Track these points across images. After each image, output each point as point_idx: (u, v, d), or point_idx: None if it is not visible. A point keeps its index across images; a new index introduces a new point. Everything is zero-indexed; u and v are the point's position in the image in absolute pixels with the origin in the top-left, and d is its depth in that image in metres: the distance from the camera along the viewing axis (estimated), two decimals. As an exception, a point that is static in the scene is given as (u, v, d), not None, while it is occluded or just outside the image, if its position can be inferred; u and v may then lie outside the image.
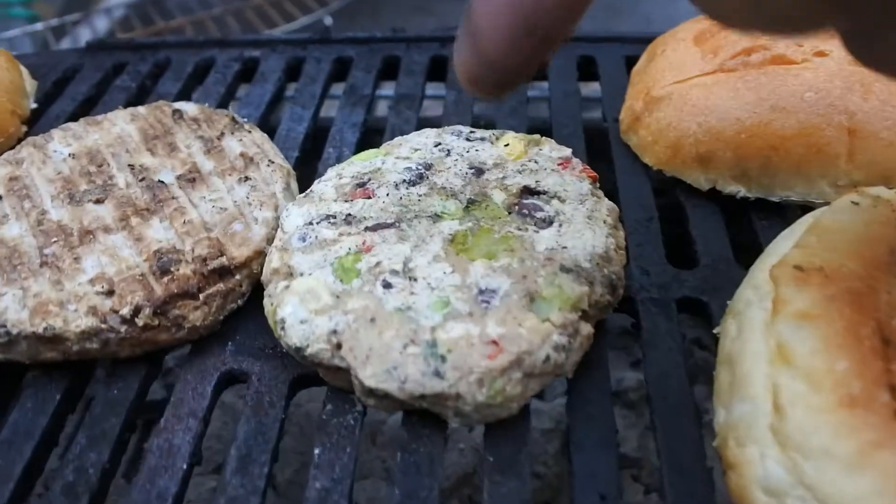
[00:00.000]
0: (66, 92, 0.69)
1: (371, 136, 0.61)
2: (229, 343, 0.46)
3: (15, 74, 0.66)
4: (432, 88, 0.69)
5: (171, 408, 0.43)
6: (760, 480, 0.35)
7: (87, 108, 0.67)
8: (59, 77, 0.72)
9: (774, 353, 0.37)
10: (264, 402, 0.43)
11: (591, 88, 0.69)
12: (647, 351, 0.43)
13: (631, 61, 0.65)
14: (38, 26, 1.67)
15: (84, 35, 1.66)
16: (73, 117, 0.64)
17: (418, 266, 0.42)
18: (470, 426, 0.41)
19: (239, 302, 0.46)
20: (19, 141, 0.62)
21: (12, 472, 0.40)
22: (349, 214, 0.46)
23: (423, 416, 0.40)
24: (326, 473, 0.39)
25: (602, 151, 0.58)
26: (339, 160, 0.58)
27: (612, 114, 0.61)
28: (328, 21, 1.65)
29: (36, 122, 0.65)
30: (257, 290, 0.47)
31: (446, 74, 0.67)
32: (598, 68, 0.67)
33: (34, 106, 0.67)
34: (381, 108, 0.73)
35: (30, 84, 0.68)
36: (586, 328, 0.41)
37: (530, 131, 0.54)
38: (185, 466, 0.40)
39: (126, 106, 0.64)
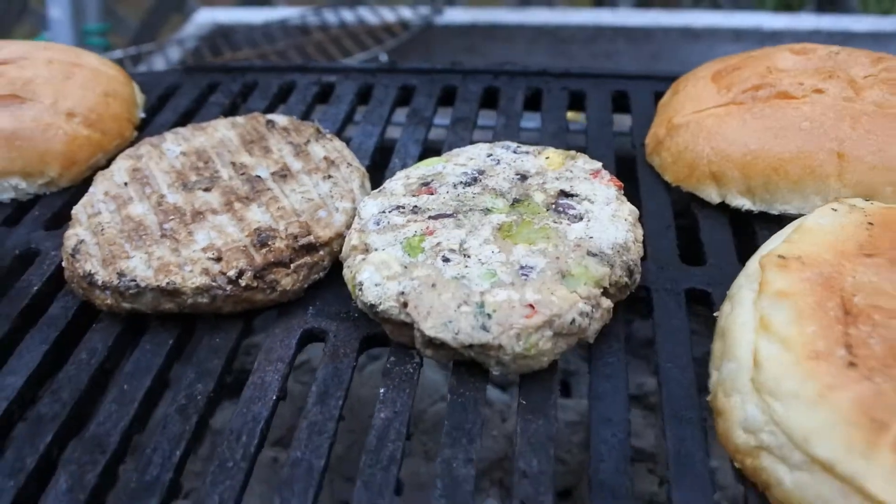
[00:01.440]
0: (169, 105, 0.81)
1: (430, 152, 0.71)
2: (310, 308, 0.55)
3: (130, 89, 0.78)
4: (484, 116, 0.78)
5: (262, 354, 0.52)
6: (741, 421, 0.44)
7: (186, 119, 0.79)
8: (162, 93, 0.83)
9: (758, 323, 0.46)
10: (339, 353, 0.52)
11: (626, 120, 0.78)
12: (659, 330, 0.52)
13: (659, 96, 0.75)
14: (118, 54, 1.81)
15: (158, 63, 1.79)
16: (175, 126, 0.75)
17: (471, 247, 0.51)
18: (508, 375, 0.49)
19: (321, 274, 0.56)
20: (132, 143, 0.73)
21: (136, 396, 0.50)
22: (416, 206, 0.56)
23: (470, 367, 0.49)
24: (389, 407, 0.48)
25: (630, 171, 0.68)
26: (404, 168, 0.68)
27: (640, 140, 0.70)
28: (383, 58, 1.77)
29: (144, 129, 0.77)
30: (335, 267, 0.56)
31: (497, 103, 0.78)
32: (631, 102, 0.77)
33: (143, 115, 0.78)
34: (439, 134, 0.83)
35: (139, 97, 0.80)
36: (606, 302, 0.50)
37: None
38: (274, 397, 0.50)
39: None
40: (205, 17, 2.05)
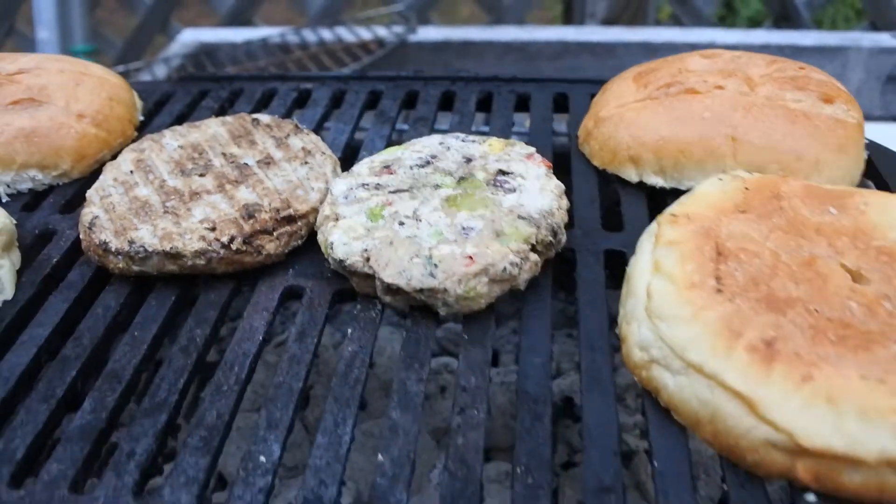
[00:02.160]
0: (165, 109, 0.91)
1: (394, 145, 0.82)
2: (291, 269, 0.66)
3: (131, 95, 0.88)
4: (441, 116, 0.90)
5: (250, 306, 0.63)
6: (637, 342, 0.55)
7: (181, 120, 0.89)
8: (158, 99, 0.94)
9: (653, 266, 0.57)
10: (315, 304, 0.63)
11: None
12: (580, 280, 0.63)
13: (594, 97, 0.86)
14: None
15: (145, 80, 1.89)
16: (172, 126, 0.85)
17: (422, 214, 0.62)
18: (453, 315, 0.60)
19: (300, 241, 0.67)
20: (133, 141, 0.83)
21: (145, 340, 0.60)
22: (378, 184, 0.66)
23: (423, 311, 0.60)
24: (356, 343, 0.58)
25: (566, 158, 0.79)
26: (371, 158, 0.79)
27: (576, 133, 0.82)
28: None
29: (143, 130, 0.87)
30: (312, 237, 0.67)
31: (453, 105, 0.89)
32: (570, 102, 0.88)
33: (142, 118, 0.89)
34: (402, 131, 0.93)
35: (139, 103, 0.90)
36: (534, 256, 0.61)
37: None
38: (260, 338, 0.60)
39: (212, 119, 0.86)
40: (189, 37, 2.16)
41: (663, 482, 0.49)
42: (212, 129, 0.78)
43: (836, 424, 0.46)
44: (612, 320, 0.60)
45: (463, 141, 0.72)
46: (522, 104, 0.89)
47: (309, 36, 2.11)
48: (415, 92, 0.92)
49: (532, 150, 0.70)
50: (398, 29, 2.11)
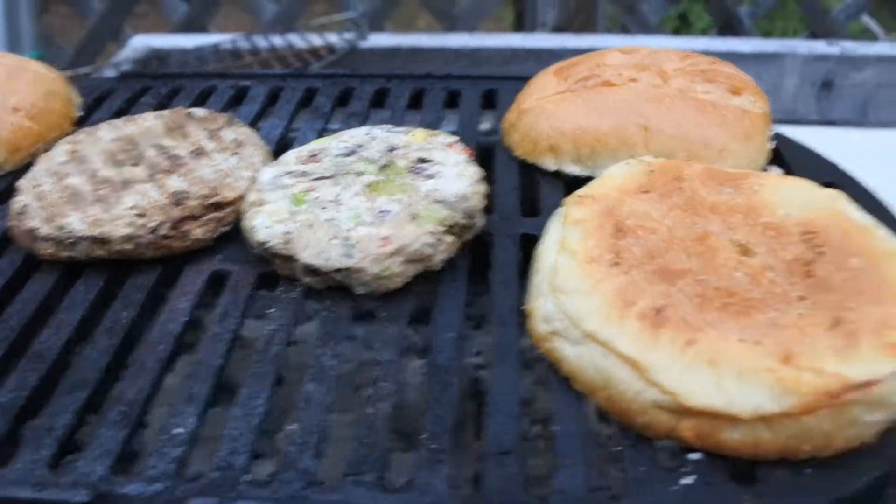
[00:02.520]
0: (104, 105, 0.93)
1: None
2: (218, 255, 0.68)
3: (68, 90, 0.90)
4: (375, 112, 0.92)
5: (177, 289, 0.65)
6: (542, 315, 0.57)
7: (119, 116, 0.91)
8: (98, 95, 0.95)
9: (558, 245, 0.60)
10: (238, 286, 0.65)
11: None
12: (495, 261, 0.66)
13: (522, 93, 0.90)
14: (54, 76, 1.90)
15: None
16: (109, 122, 0.87)
17: (344, 199, 0.65)
18: (371, 293, 0.62)
19: (227, 227, 0.69)
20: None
21: (72, 323, 0.62)
22: (304, 171, 0.69)
23: (342, 290, 0.62)
24: (276, 322, 0.61)
25: (491, 150, 0.82)
26: (302, 150, 0.81)
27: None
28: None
29: (81, 125, 0.89)
30: (240, 222, 0.69)
31: (385, 101, 0.92)
32: (499, 98, 0.91)
33: (81, 114, 0.91)
34: (337, 126, 0.95)
35: (77, 99, 0.92)
36: (449, 238, 0.63)
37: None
38: (184, 319, 0.62)
39: (150, 115, 0.87)
40: (140, 42, 2.16)
41: (560, 444, 0.51)
42: (147, 123, 0.80)
43: (716, 384, 0.49)
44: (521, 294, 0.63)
45: (388, 132, 0.75)
46: (454, 101, 0.92)
47: (260, 42, 2.12)
48: (350, 89, 0.94)
49: (455, 138, 0.73)
50: (349, 35, 2.13)
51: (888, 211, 0.71)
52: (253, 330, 0.62)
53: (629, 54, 0.83)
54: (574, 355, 0.54)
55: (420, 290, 0.63)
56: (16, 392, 0.56)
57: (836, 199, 0.62)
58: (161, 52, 2.08)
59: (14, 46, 2.25)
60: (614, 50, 0.85)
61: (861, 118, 1.70)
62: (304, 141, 0.84)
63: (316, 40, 2.09)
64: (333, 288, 0.63)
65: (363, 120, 0.88)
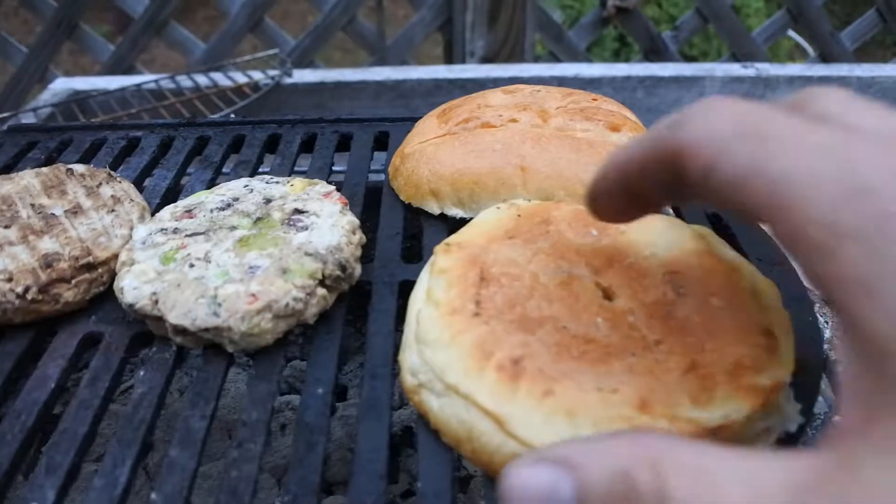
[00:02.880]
0: (-10, 162, 0.92)
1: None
2: (93, 316, 0.67)
3: (-50, 148, 0.88)
4: (267, 158, 0.92)
5: (46, 354, 0.64)
6: (409, 367, 0.57)
7: (4, 173, 0.89)
8: (-16, 152, 0.94)
9: (425, 295, 0.60)
10: (111, 348, 0.64)
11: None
12: (372, 311, 0.66)
13: (413, 134, 0.90)
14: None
15: None
16: (-6, 180, 0.86)
17: (214, 255, 0.64)
18: (243, 352, 0.62)
19: (102, 288, 0.68)
20: (-49, 196, 0.83)
21: (-64, 395, 0.61)
22: (176, 228, 0.68)
23: (214, 348, 0.62)
24: (146, 384, 0.60)
25: (378, 194, 0.82)
26: (187, 203, 0.80)
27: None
28: (233, 118, 1.89)
29: (-35, 184, 0.87)
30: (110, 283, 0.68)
31: (277, 147, 0.92)
32: (390, 140, 0.92)
33: (-36, 172, 0.89)
34: (226, 175, 0.95)
35: (-39, 157, 0.90)
36: (322, 291, 0.63)
37: (329, 183, 0.77)
38: (52, 386, 0.61)
39: (35, 171, 0.86)
40: (61, 85, 2.14)
41: (424, 501, 0.51)
42: (24, 181, 0.78)
43: (573, 435, 0.49)
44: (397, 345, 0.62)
45: (267, 183, 0.74)
46: (344, 143, 0.93)
47: (184, 81, 2.11)
48: (241, 136, 0.94)
49: (331, 188, 0.73)
50: (273, 72, 2.14)
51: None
52: (123, 394, 0.61)
53: (512, 94, 0.84)
54: (439, 408, 0.54)
55: (293, 345, 0.62)
56: None
57: (704, 238, 0.63)
58: (82, 94, 2.06)
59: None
60: (498, 90, 0.86)
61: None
62: (192, 192, 0.83)
63: (240, 78, 2.09)
64: (207, 346, 0.62)
65: (253, 168, 0.88)
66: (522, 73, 2.14)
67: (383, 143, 0.93)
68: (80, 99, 2.03)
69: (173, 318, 0.60)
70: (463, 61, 2.63)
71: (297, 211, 0.69)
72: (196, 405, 0.58)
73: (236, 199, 0.72)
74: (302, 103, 2.13)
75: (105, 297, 0.68)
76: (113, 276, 0.68)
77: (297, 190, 0.73)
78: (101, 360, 0.63)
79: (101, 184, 0.77)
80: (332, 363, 0.61)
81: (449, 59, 2.71)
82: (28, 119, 1.90)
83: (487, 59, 2.61)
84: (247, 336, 0.60)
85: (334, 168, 0.89)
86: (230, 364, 0.62)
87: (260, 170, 0.89)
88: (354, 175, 0.85)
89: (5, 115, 1.94)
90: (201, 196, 0.73)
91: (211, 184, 0.85)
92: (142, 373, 0.61)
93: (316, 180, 0.75)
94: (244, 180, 0.76)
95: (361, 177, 0.84)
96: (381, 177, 0.87)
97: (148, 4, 2.49)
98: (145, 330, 0.65)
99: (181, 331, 0.60)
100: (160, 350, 0.63)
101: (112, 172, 0.79)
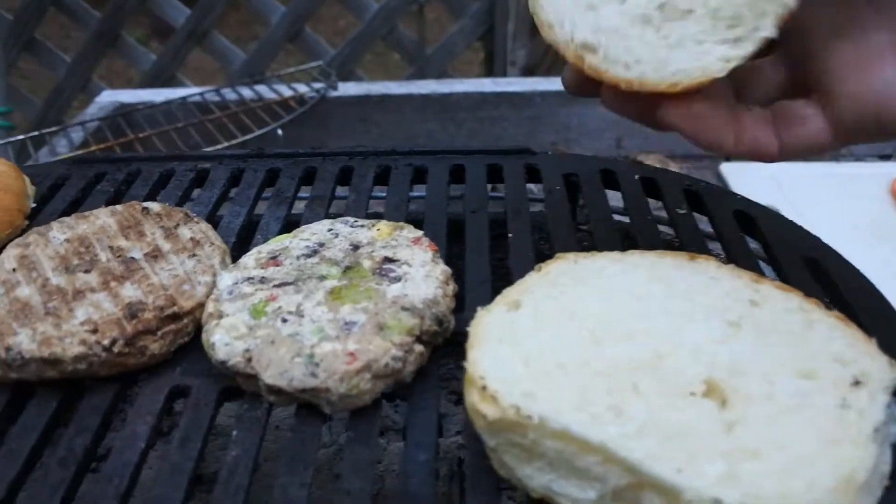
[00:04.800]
0: (59, 195, 0.90)
1: (291, 226, 0.82)
2: (178, 368, 0.65)
3: (21, 182, 0.87)
4: (340, 191, 0.90)
5: (133, 410, 0.62)
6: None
7: (74, 207, 0.88)
8: (52, 183, 0.92)
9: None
10: (200, 404, 0.62)
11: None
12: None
13: (491, 168, 0.88)
14: (21, 137, 1.87)
15: (60, 144, 1.86)
16: (64, 214, 0.84)
17: (306, 309, 0.62)
18: (338, 412, 0.60)
19: (187, 338, 0.66)
20: (23, 231, 0.81)
21: (22, 452, 0.59)
22: (263, 277, 0.66)
23: (309, 408, 0.59)
24: (239, 446, 0.58)
25: (461, 233, 0.79)
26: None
27: (472, 206, 0.83)
28: (280, 132, 1.88)
29: (35, 218, 0.86)
30: (200, 332, 0.66)
31: (350, 180, 0.89)
32: (466, 173, 0.89)
33: (34, 205, 0.87)
34: (301, 209, 0.93)
35: (31, 189, 0.89)
36: (419, 348, 0.61)
37: (408, 222, 0.75)
38: (142, 446, 0.59)
39: (106, 205, 0.84)
40: (107, 98, 2.13)
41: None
42: (101, 221, 0.77)
43: None
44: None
45: (352, 226, 0.72)
46: (419, 178, 0.90)
47: (229, 95, 2.10)
48: (313, 169, 0.92)
49: (419, 233, 0.71)
50: (318, 85, 2.12)
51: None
52: (216, 455, 0.59)
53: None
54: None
55: (391, 405, 0.60)
56: (-41, 540, 0.53)
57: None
58: (128, 108, 2.05)
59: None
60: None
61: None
62: (267, 231, 0.81)
63: (285, 91, 2.08)
64: (301, 405, 0.60)
65: (327, 204, 0.85)
66: (569, 86, 2.10)
67: (459, 176, 0.90)
68: (126, 112, 2.03)
69: (269, 378, 0.58)
70: (504, 71, 2.60)
71: (388, 259, 0.67)
72: (295, 471, 0.56)
73: (322, 245, 0.69)
74: (347, 116, 2.11)
75: (190, 347, 0.66)
76: (197, 326, 0.66)
77: (385, 235, 0.70)
78: (191, 418, 0.60)
79: (178, 224, 0.75)
80: (433, 425, 0.59)
81: (489, 68, 2.69)
82: (76, 134, 1.90)
83: (529, 70, 2.58)
84: (345, 397, 0.58)
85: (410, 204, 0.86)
86: (325, 423, 0.60)
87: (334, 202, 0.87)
88: (434, 213, 0.82)
89: (53, 129, 1.94)
90: (284, 241, 0.71)
91: (285, 220, 0.83)
92: (235, 433, 0.59)
93: (402, 224, 0.72)
94: (327, 223, 0.73)
95: (441, 215, 0.82)
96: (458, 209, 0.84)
97: (190, 14, 2.48)
98: (234, 385, 0.63)
99: (276, 391, 0.58)
100: (251, 407, 0.61)
101: (189, 213, 0.77)
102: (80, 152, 1.68)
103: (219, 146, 1.76)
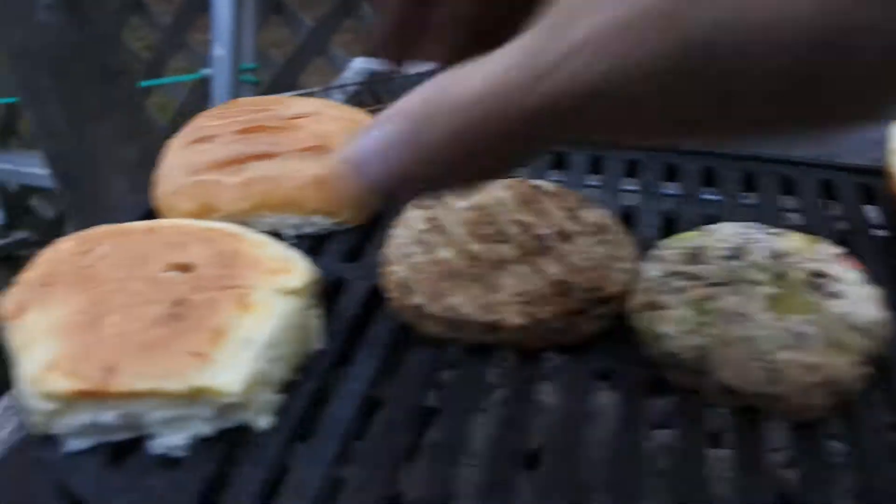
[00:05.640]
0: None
1: (667, 223, 0.82)
2: (597, 351, 0.66)
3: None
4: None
5: (560, 385, 0.63)
6: None
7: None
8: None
9: None
10: (630, 391, 0.62)
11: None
12: (901, 395, 0.62)
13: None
14: (293, 93, 1.95)
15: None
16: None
17: (750, 312, 0.62)
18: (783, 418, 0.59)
19: (605, 324, 0.67)
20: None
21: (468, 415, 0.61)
22: (692, 273, 0.66)
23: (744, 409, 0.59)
24: (679, 439, 0.58)
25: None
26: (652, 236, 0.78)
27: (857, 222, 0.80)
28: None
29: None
30: (618, 317, 0.67)
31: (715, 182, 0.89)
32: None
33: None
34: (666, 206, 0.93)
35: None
36: (866, 369, 0.59)
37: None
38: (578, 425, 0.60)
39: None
40: (360, 65, 2.20)
41: None
42: (496, 192, 0.79)
43: None
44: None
45: (766, 234, 0.71)
46: (787, 188, 0.89)
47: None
48: (674, 165, 0.92)
49: (843, 250, 0.69)
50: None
51: None
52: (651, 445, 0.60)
53: None
54: None
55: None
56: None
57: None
58: (381, 76, 2.11)
59: (237, 58, 2.34)
60: None
61: None
62: (643, 223, 0.82)
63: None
64: (737, 407, 0.60)
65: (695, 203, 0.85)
66: None
67: (830, 192, 0.88)
68: (380, 80, 2.08)
69: (724, 376, 0.58)
70: None
71: (818, 274, 0.66)
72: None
73: (740, 249, 0.69)
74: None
75: (605, 333, 0.67)
76: (619, 312, 0.67)
77: (805, 248, 0.69)
78: (626, 404, 0.61)
79: (577, 207, 0.76)
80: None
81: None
82: (337, 96, 1.96)
83: None
84: (800, 409, 0.57)
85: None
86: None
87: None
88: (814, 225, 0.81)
89: (316, 89, 2.02)
90: (696, 239, 0.71)
91: (665, 215, 0.83)
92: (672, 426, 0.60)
93: (818, 237, 0.71)
94: (735, 226, 0.73)
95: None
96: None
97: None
98: (657, 374, 0.63)
99: (728, 391, 0.58)
100: (682, 401, 0.61)
101: (582, 196, 0.79)
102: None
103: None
